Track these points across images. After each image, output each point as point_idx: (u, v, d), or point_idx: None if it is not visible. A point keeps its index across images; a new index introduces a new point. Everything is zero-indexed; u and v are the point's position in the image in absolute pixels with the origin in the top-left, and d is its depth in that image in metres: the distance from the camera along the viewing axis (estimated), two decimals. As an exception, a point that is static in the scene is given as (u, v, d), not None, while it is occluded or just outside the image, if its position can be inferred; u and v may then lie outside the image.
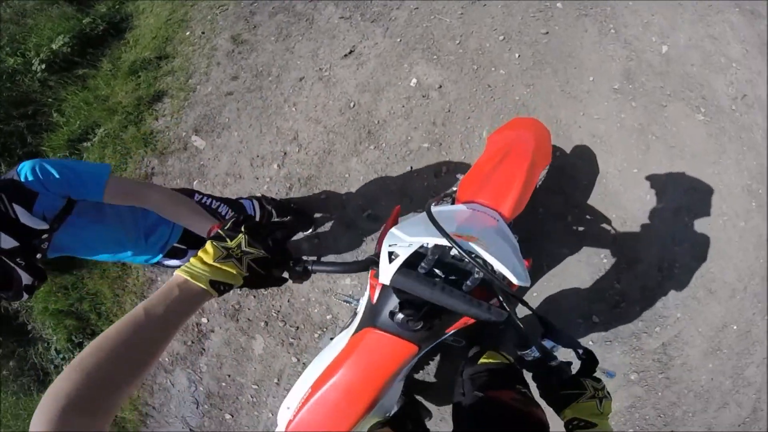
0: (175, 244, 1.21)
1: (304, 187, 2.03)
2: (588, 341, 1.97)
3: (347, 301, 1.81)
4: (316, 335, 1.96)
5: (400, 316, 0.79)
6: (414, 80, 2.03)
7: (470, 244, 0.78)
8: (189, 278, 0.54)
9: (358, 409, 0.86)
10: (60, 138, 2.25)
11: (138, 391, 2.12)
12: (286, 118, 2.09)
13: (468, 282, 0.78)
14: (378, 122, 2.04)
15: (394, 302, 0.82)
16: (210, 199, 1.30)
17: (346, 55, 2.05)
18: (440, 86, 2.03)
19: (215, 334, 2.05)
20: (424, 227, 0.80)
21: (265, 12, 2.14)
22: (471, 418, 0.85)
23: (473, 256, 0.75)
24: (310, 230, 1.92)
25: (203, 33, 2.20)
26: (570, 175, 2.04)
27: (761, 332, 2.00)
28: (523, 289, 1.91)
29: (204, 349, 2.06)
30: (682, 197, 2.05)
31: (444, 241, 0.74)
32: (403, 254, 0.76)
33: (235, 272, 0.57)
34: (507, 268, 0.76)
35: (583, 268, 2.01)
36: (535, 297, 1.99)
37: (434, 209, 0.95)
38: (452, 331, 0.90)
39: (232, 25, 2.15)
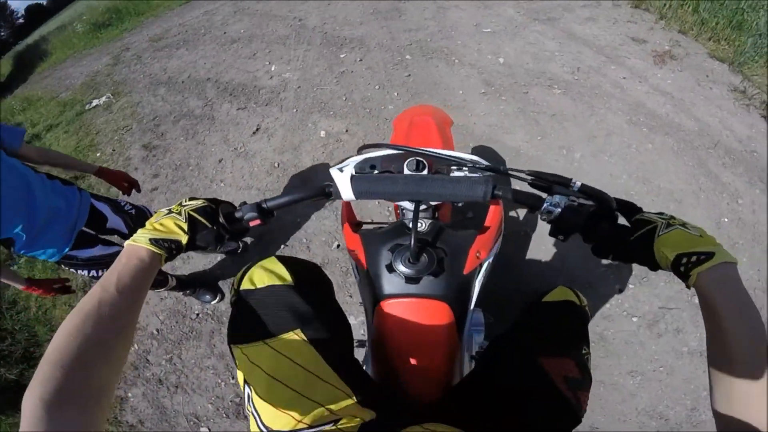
0: (84, 228, 1.22)
1: (260, 245, 1.92)
2: (628, 286, 1.72)
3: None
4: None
5: (399, 263, 0.67)
6: (323, 132, 2.29)
7: (421, 149, 0.70)
8: (131, 242, 0.55)
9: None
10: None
11: None
12: (217, 194, 2.11)
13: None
14: (307, 170, 2.16)
15: (386, 256, 0.70)
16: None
17: (254, 133, 2.30)
18: (347, 130, 2.30)
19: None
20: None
21: (168, 121, 2.42)
22: (502, 389, 0.62)
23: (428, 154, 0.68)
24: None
25: (113, 150, 2.37)
26: (492, 156, 2.20)
27: (740, 214, 1.95)
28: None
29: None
30: (590, 145, 2.28)
31: (391, 150, 0.68)
32: (352, 161, 0.70)
33: (173, 224, 0.57)
34: (470, 155, 0.70)
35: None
36: (540, 277, 1.78)
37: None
38: (473, 272, 0.73)
39: (140, 138, 2.37)
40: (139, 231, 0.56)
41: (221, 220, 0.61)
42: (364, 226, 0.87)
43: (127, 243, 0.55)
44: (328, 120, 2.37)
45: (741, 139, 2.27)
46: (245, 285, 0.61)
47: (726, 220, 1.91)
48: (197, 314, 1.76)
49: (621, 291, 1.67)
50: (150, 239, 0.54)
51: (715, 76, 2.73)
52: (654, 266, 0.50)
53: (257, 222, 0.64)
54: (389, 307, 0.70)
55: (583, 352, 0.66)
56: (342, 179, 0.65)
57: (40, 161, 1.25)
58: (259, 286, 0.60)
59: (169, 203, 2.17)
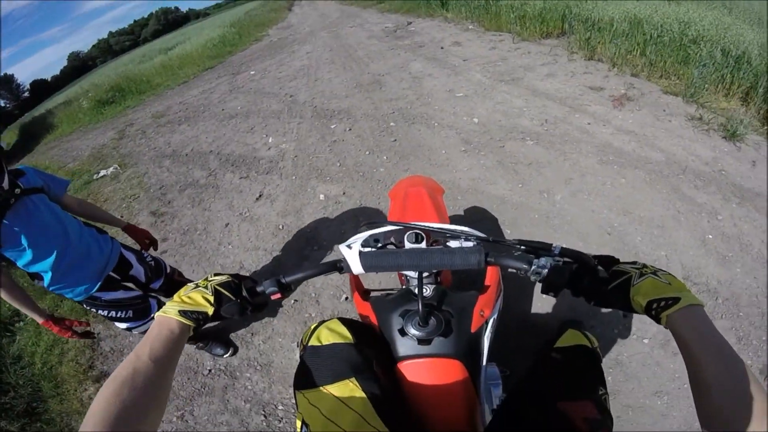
0: (111, 273, 1.34)
1: (274, 301, 2.00)
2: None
3: None
4: None
5: (411, 326, 0.73)
6: (322, 196, 2.47)
7: (418, 223, 0.80)
8: (162, 313, 0.59)
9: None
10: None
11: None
12: (226, 255, 2.21)
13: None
14: (310, 230, 2.29)
15: (397, 321, 0.76)
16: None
17: (257, 199, 2.47)
18: (344, 193, 2.49)
19: None
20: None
21: (175, 190, 2.57)
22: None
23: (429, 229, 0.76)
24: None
25: (122, 216, 2.48)
26: (481, 213, 2.34)
27: (723, 230, 2.00)
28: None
29: None
30: (569, 187, 2.43)
31: (392, 227, 0.78)
32: (359, 238, 0.79)
33: (200, 297, 0.62)
34: (462, 227, 0.77)
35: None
36: (546, 315, 1.80)
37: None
38: (479, 329, 0.79)
39: (148, 205, 2.51)
40: (168, 303, 0.60)
41: (244, 293, 0.66)
42: (372, 293, 0.92)
43: (157, 314, 0.59)
44: (326, 185, 2.57)
45: (707, 162, 2.41)
46: (313, 342, 0.72)
47: (710, 236, 1.98)
48: (209, 370, 1.75)
49: (626, 316, 1.66)
50: (179, 311, 0.58)
51: (671, 110, 2.96)
52: (630, 310, 0.55)
53: (277, 295, 0.68)
54: (406, 368, 0.74)
55: (600, 392, 0.70)
56: (351, 255, 0.70)
57: (78, 210, 1.39)
58: (324, 343, 0.71)
59: (178, 266, 2.31)
